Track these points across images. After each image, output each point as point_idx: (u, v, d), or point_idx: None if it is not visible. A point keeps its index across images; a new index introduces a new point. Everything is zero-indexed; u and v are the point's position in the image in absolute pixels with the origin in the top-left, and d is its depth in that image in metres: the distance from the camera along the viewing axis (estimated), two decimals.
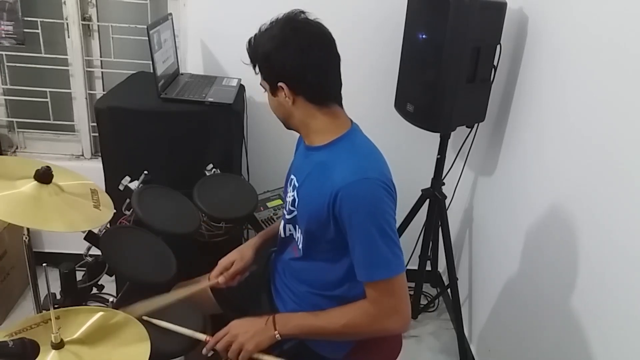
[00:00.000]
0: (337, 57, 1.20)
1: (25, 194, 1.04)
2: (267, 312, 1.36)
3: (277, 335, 1.19)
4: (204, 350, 1.21)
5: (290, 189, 1.31)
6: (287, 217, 1.32)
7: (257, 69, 1.21)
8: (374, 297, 1.15)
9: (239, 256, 1.41)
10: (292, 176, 1.31)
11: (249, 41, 1.21)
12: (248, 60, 1.22)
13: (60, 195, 1.09)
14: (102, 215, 1.16)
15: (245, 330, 1.19)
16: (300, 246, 1.29)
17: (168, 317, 1.29)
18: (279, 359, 1.18)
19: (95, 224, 1.17)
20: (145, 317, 1.18)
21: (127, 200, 1.58)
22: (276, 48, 1.15)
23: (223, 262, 1.41)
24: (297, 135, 1.35)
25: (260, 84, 1.24)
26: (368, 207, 1.11)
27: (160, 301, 1.25)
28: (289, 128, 1.29)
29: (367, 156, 1.20)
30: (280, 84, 1.17)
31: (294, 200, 1.28)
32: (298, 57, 1.15)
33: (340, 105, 1.25)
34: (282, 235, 1.37)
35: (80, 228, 1.12)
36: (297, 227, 1.30)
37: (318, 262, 1.27)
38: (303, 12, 1.19)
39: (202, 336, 1.21)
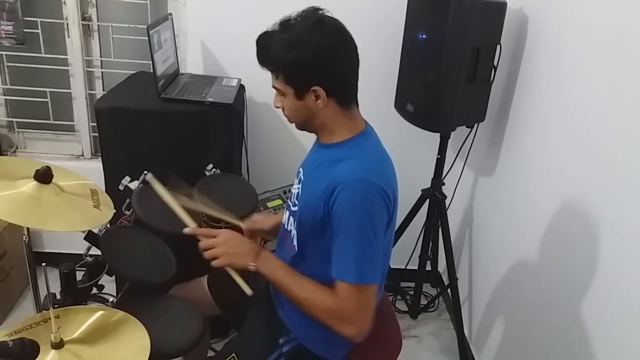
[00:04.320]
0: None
1: (25, 194, 1.05)
2: (266, 313, 1.36)
3: (252, 267, 1.21)
4: (186, 230, 1.26)
5: (296, 181, 1.32)
6: (292, 208, 1.32)
7: (277, 74, 1.15)
8: (338, 295, 1.14)
9: (262, 220, 1.49)
10: (300, 169, 1.33)
11: (264, 47, 1.15)
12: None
13: (60, 195, 1.09)
14: (102, 215, 1.16)
15: (231, 245, 1.23)
16: (294, 242, 1.29)
17: (167, 316, 1.29)
18: (244, 283, 1.21)
19: (95, 224, 1.17)
20: (149, 177, 1.27)
21: (127, 200, 1.58)
22: (318, 54, 1.11)
23: (257, 216, 1.51)
24: (299, 134, 1.35)
25: (276, 87, 1.19)
26: (357, 208, 1.11)
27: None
28: (302, 129, 1.27)
29: (374, 160, 1.20)
30: (315, 88, 1.14)
31: (298, 193, 1.28)
32: (343, 62, 1.16)
33: (357, 106, 1.25)
34: (285, 225, 1.37)
35: (80, 228, 1.12)
36: (295, 222, 1.30)
37: (313, 261, 1.27)
38: (321, 9, 1.16)
39: (191, 222, 1.26)
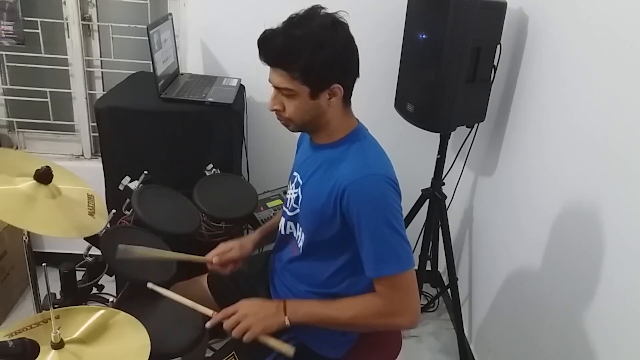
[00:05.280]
0: None
1: (22, 193, 1.03)
2: None
3: (287, 322, 1.18)
4: (208, 324, 1.19)
5: (292, 186, 1.31)
6: (289, 214, 1.31)
7: (293, 73, 1.10)
8: (383, 293, 1.15)
9: (238, 245, 1.41)
10: (295, 173, 1.31)
11: (283, 45, 1.09)
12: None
13: (56, 198, 1.08)
14: (95, 224, 1.13)
15: (255, 312, 1.18)
16: (300, 245, 1.29)
17: (167, 316, 1.29)
18: (283, 343, 1.17)
19: (87, 232, 1.13)
20: (150, 285, 1.19)
21: (127, 200, 1.58)
22: (344, 51, 1.12)
23: (222, 246, 1.40)
24: (299, 134, 1.35)
25: (284, 88, 1.12)
26: (376, 203, 1.12)
27: (155, 254, 1.25)
28: (299, 130, 1.26)
29: (373, 155, 1.21)
30: (335, 86, 1.13)
31: (297, 197, 1.28)
32: (357, 58, 1.17)
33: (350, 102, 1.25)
34: (282, 232, 1.36)
35: (71, 235, 1.09)
36: (298, 225, 1.30)
37: (317, 260, 1.27)
38: (324, 7, 1.14)
39: (208, 311, 1.20)
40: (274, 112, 1.20)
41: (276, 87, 1.15)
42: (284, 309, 1.19)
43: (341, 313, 1.18)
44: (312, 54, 1.08)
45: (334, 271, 1.26)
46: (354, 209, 1.12)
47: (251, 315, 1.18)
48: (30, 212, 1.02)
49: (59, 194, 1.09)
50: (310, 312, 1.20)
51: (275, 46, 1.10)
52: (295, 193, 1.29)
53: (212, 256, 1.37)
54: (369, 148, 1.22)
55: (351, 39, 1.14)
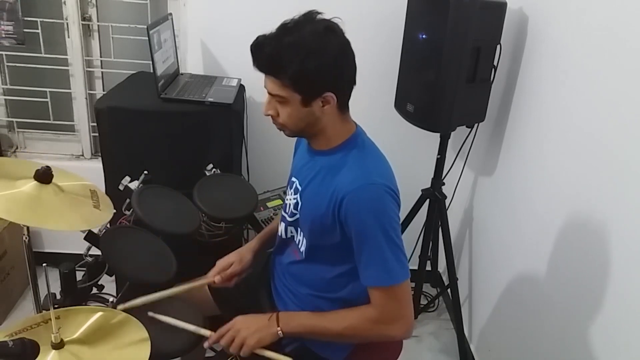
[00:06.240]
0: None
1: (25, 193, 1.04)
2: (269, 312, 1.36)
3: (280, 333, 1.19)
4: (206, 344, 1.20)
5: (291, 191, 1.30)
6: (289, 219, 1.31)
7: (284, 81, 1.09)
8: (377, 303, 1.15)
9: (238, 258, 1.41)
10: (294, 179, 1.30)
11: (274, 53, 1.08)
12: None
13: (59, 195, 1.09)
14: (102, 215, 1.15)
15: (248, 326, 1.19)
16: (302, 249, 1.28)
17: (167, 316, 1.29)
18: (280, 355, 1.18)
19: (95, 224, 1.16)
20: (150, 314, 1.19)
21: (127, 200, 1.58)
22: (336, 59, 1.09)
23: (221, 262, 1.41)
24: None
25: (276, 94, 1.12)
26: (374, 213, 1.11)
27: (157, 296, 1.25)
28: (296, 136, 1.26)
29: (374, 161, 1.19)
30: (327, 94, 1.11)
31: (296, 203, 1.27)
32: (353, 66, 1.15)
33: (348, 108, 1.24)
34: (284, 236, 1.36)
35: (79, 227, 1.12)
36: (299, 230, 1.29)
37: (320, 265, 1.27)
38: (319, 12, 1.12)
39: (205, 332, 1.21)
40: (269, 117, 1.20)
41: (269, 93, 1.15)
42: (276, 320, 1.20)
43: (335, 324, 1.19)
44: (301, 62, 1.06)
45: (336, 275, 1.25)
46: (351, 218, 1.11)
47: (244, 330, 1.18)
48: (36, 210, 1.03)
49: (62, 191, 1.10)
50: (303, 323, 1.21)
51: (265, 54, 1.09)
52: (294, 199, 1.28)
53: (214, 276, 1.39)
54: (369, 154, 1.20)
55: (345, 46, 1.12)
